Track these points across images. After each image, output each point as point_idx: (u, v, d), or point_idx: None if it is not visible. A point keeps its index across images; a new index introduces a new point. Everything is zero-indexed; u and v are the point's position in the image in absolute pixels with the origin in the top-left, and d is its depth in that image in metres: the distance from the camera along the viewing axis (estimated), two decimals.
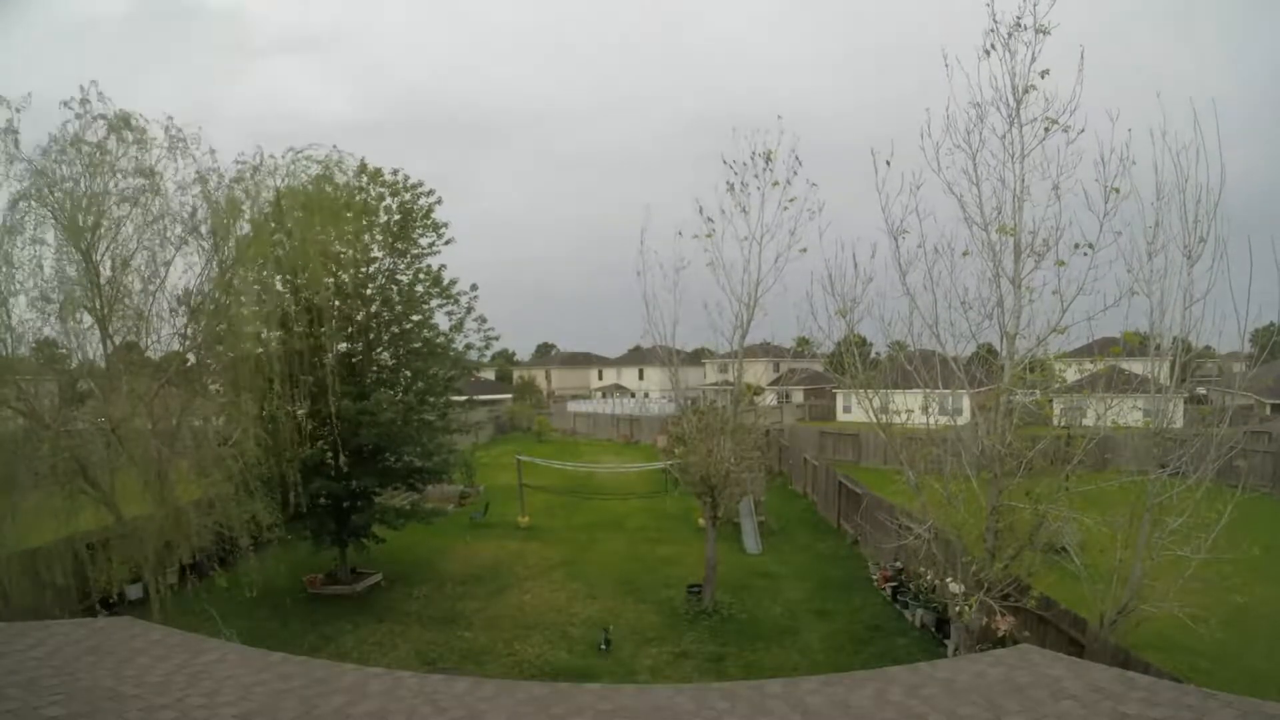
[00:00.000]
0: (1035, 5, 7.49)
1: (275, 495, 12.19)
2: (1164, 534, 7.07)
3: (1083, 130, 7.41)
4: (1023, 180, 7.78)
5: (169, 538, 10.43)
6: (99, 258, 9.95)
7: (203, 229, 10.97)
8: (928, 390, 9.03)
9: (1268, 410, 35.62)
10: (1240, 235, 6.76)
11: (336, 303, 14.21)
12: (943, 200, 8.25)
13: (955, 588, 8.49)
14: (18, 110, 9.39)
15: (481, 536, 19.69)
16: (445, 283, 15.84)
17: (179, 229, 10.71)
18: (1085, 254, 7.49)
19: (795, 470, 26.88)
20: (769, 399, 47.22)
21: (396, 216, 15.23)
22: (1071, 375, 9.03)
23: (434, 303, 15.90)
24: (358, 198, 14.13)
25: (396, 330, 15.41)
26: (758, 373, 27.46)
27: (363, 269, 14.93)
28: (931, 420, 9.14)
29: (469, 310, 16.17)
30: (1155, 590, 7.16)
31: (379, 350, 15.58)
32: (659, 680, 10.36)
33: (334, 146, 13.07)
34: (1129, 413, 8.29)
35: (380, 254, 15.24)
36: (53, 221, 9.72)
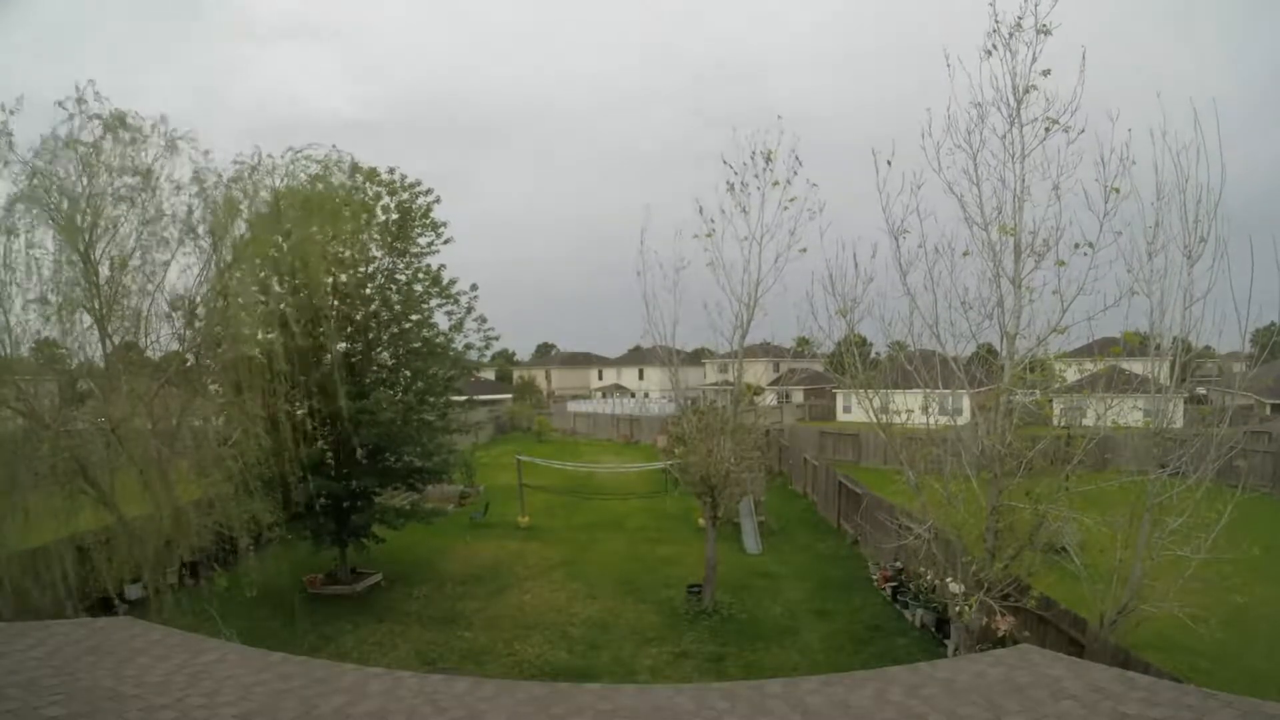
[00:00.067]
0: (1036, 6, 7.51)
1: (275, 495, 12.19)
2: (1164, 534, 7.08)
3: (1083, 130, 7.43)
4: (1023, 180, 7.80)
5: (169, 538, 10.41)
6: (97, 258, 9.95)
7: (200, 229, 10.96)
8: (928, 390, 9.03)
9: (1268, 410, 35.64)
10: (1240, 235, 6.79)
11: (335, 302, 14.20)
12: (943, 200, 8.28)
13: (955, 588, 8.49)
14: (11, 112, 9.42)
15: (481, 536, 19.69)
16: (445, 282, 15.85)
17: (176, 229, 10.71)
18: (1085, 254, 7.50)
19: (795, 470, 26.89)
20: (769, 399, 47.23)
21: (395, 216, 15.22)
22: (1071, 375, 9.03)
23: (433, 302, 15.90)
24: (355, 197, 14.13)
25: (396, 330, 15.40)
26: (758, 373, 27.43)
27: (361, 269, 14.94)
28: (931, 420, 9.14)
29: (469, 310, 16.19)
30: (1155, 590, 7.16)
31: (378, 350, 15.57)
32: (659, 680, 10.35)
33: (333, 146, 13.10)
34: (1129, 413, 8.29)
35: (379, 254, 15.24)
36: (50, 222, 9.71)
